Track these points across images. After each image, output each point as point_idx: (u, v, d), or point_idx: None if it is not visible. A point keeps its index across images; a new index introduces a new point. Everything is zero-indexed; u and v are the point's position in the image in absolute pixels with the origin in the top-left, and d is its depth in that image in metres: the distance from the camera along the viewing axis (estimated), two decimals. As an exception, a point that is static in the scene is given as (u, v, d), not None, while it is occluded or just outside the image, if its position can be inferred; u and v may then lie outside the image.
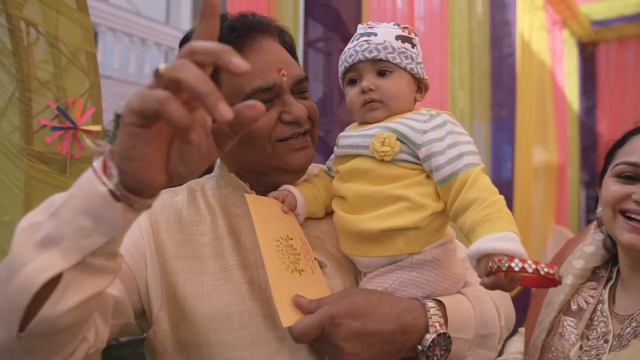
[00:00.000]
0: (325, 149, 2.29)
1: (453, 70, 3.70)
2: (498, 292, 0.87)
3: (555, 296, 1.07)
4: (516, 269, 0.64)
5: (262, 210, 0.82)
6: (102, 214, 0.52)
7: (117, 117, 5.69)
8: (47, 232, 0.54)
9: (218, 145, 0.53)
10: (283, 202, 0.86)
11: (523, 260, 0.65)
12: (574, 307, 1.05)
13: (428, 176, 0.81)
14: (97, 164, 0.53)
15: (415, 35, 0.89)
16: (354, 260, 0.85)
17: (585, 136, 6.55)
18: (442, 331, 0.76)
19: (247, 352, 0.75)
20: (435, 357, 0.76)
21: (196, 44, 0.47)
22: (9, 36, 1.28)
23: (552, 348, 1.02)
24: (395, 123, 0.83)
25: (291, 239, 0.82)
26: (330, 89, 2.41)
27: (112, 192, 0.51)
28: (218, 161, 0.97)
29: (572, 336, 1.01)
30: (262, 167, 0.87)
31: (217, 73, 0.81)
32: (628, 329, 0.94)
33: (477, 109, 4.11)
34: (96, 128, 1.42)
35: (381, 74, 0.85)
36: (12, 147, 1.32)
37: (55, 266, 0.52)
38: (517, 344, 1.29)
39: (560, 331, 1.03)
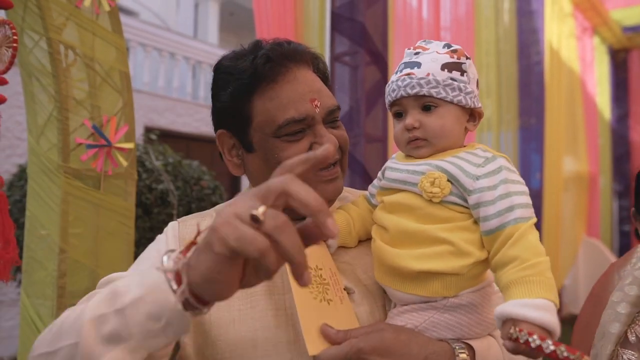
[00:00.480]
0: (353, 164, 2.30)
1: (480, 78, 3.66)
2: None
3: (610, 326, 0.98)
4: (533, 345, 0.61)
5: None
6: (171, 322, 0.55)
7: (147, 130, 5.81)
8: (115, 328, 0.57)
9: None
10: None
11: (542, 338, 0.62)
12: (632, 338, 0.96)
13: (475, 222, 0.78)
14: (168, 270, 0.55)
15: (467, 58, 0.83)
16: (386, 290, 0.84)
17: (618, 145, 6.38)
18: None
19: None
20: None
21: (295, 189, 0.48)
22: (49, 59, 1.34)
23: None
24: (447, 163, 0.79)
25: (320, 269, 0.81)
26: (356, 102, 2.42)
27: (183, 304, 0.54)
28: (244, 185, 0.97)
29: None
30: None
31: (250, 97, 0.82)
32: None
33: (504, 118, 4.06)
34: (129, 146, 1.46)
35: (426, 108, 0.81)
36: (50, 165, 1.37)
37: None
38: None
39: None
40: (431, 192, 0.77)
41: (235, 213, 0.48)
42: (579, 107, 5.32)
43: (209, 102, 0.93)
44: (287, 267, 0.76)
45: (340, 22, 2.38)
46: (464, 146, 0.84)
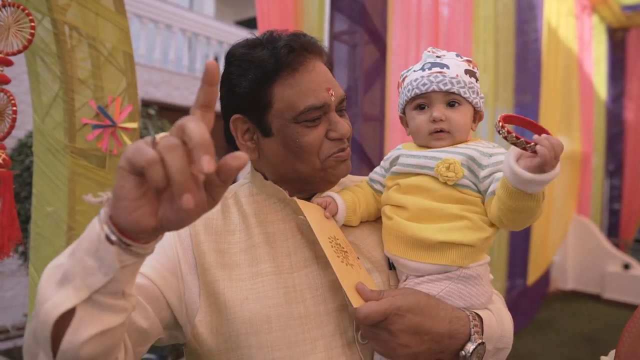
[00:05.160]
0: (351, 143, 2.32)
1: (477, 54, 3.67)
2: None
3: None
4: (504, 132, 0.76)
5: (311, 214, 0.89)
6: (102, 256, 0.57)
7: (144, 104, 5.79)
8: (64, 271, 0.60)
9: (211, 197, 0.57)
10: (325, 209, 0.93)
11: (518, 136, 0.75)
12: None
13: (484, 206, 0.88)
14: (103, 209, 0.59)
15: (477, 69, 0.96)
16: (398, 263, 0.91)
17: (612, 124, 6.44)
18: (481, 341, 0.83)
19: (284, 352, 0.81)
20: None
21: (190, 125, 0.51)
22: (54, 40, 1.35)
23: None
24: (463, 149, 0.90)
25: (337, 239, 0.89)
26: (355, 81, 2.44)
27: (107, 236, 0.57)
28: (249, 168, 1.02)
29: None
30: (308, 177, 0.93)
31: (271, 84, 0.87)
32: None
33: (501, 94, 4.08)
34: (133, 125, 1.49)
35: (450, 105, 0.92)
36: (56, 144, 1.40)
37: (67, 302, 0.58)
38: None
39: None
40: (446, 176, 0.87)
41: (144, 139, 0.55)
42: (575, 86, 5.34)
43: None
44: (316, 235, 0.83)
45: (340, 0, 2.38)
46: (468, 140, 0.95)
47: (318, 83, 0.89)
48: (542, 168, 0.73)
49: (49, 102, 1.41)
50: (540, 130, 0.77)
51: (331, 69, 0.96)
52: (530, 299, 4.69)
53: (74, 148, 1.39)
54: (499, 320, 0.90)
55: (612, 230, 6.40)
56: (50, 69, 1.40)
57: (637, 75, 6.35)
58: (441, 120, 0.91)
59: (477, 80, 0.95)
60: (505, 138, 0.75)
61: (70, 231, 1.39)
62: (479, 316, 0.86)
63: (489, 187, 0.86)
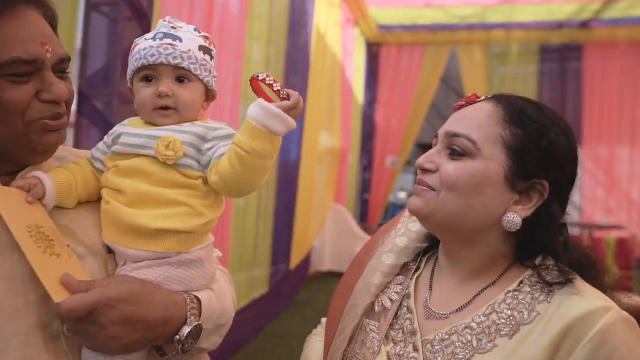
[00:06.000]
0: (103, 124, 2.15)
1: (251, 50, 3.80)
2: (232, 284, 1.02)
3: (360, 298, 0.92)
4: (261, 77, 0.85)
5: (6, 200, 0.78)
6: None
7: None
8: None
9: None
10: (29, 191, 0.82)
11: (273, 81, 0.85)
12: (377, 307, 0.89)
13: (208, 191, 0.88)
14: None
15: (214, 47, 0.94)
16: (117, 249, 0.87)
17: (366, 125, 7.43)
18: (197, 323, 0.84)
19: None
20: (187, 345, 0.83)
21: None
22: None
23: (353, 359, 0.87)
24: (188, 126, 0.87)
25: (41, 226, 0.79)
26: (114, 58, 2.27)
27: None
28: None
29: (374, 342, 0.85)
30: (7, 144, 0.81)
31: None
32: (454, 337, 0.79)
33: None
34: None
35: (180, 80, 0.88)
36: None
37: None
38: (317, 345, 1.04)
39: (362, 338, 0.88)
40: (165, 155, 0.84)
41: None
42: (338, 89, 5.98)
43: None
44: (9, 226, 0.73)
45: (99, -33, 2.18)
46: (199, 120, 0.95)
47: (31, 35, 0.78)
48: (288, 112, 0.81)
49: None
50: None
51: (54, 27, 0.86)
52: (292, 282, 5.07)
53: None
54: (219, 298, 0.92)
55: (362, 216, 7.42)
56: None
57: (386, 85, 7.45)
58: (167, 95, 0.87)
59: (212, 58, 0.93)
60: (262, 80, 0.82)
61: None
62: (198, 298, 0.87)
63: (212, 156, 0.86)
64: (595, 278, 0.81)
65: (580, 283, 0.77)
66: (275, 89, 0.83)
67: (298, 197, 4.70)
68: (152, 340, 0.82)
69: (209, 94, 0.96)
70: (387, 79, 7.46)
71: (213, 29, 3.22)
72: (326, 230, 6.03)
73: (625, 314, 0.73)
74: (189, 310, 0.84)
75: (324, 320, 1.07)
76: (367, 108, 7.45)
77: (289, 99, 0.83)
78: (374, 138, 7.46)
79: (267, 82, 0.84)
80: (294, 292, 5.17)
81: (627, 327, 0.72)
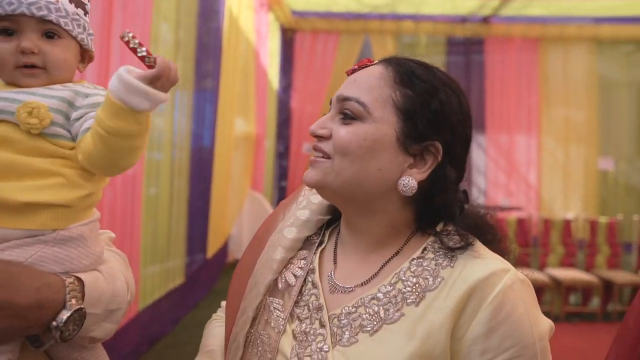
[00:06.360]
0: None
1: (158, 32, 3.62)
2: (129, 268, 0.93)
3: (262, 275, 0.87)
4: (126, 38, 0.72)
5: None
6: None
7: None
8: None
9: None
10: None
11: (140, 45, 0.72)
12: (280, 284, 0.85)
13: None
14: None
15: (89, 1, 0.84)
16: None
17: (282, 111, 7.42)
18: (78, 307, 0.75)
19: None
20: (68, 333, 0.75)
21: None
22: None
23: (258, 341, 0.82)
24: (55, 90, 0.78)
25: None
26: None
27: None
28: None
29: (279, 321, 0.81)
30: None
31: None
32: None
33: (182, 76, 4.15)
34: None
35: (48, 36, 0.79)
36: None
37: None
38: (218, 330, 0.97)
39: (266, 318, 0.83)
40: (29, 123, 0.75)
41: None
42: (252, 74, 5.89)
43: None
44: None
45: None
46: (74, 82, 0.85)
47: None
48: (154, 82, 0.72)
49: None
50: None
51: None
52: (209, 271, 4.98)
53: None
54: (109, 280, 0.83)
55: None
56: None
57: (301, 71, 7.46)
58: (33, 52, 0.77)
59: (86, 13, 0.84)
60: (127, 43, 0.71)
61: None
62: (80, 280, 0.78)
63: (80, 129, 0.78)
64: (493, 241, 0.82)
65: (479, 246, 0.79)
66: (139, 54, 0.72)
67: (213, 184, 4.60)
68: (25, 329, 0.73)
69: (85, 55, 0.87)
70: (302, 65, 7.47)
71: (116, 3, 3.03)
72: (243, 217, 5.97)
73: (521, 275, 0.76)
74: (69, 293, 0.75)
75: (223, 303, 0.99)
76: (282, 94, 7.43)
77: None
78: (290, 124, 7.46)
79: (130, 45, 0.72)
80: (212, 281, 5.09)
81: (524, 288, 0.75)
